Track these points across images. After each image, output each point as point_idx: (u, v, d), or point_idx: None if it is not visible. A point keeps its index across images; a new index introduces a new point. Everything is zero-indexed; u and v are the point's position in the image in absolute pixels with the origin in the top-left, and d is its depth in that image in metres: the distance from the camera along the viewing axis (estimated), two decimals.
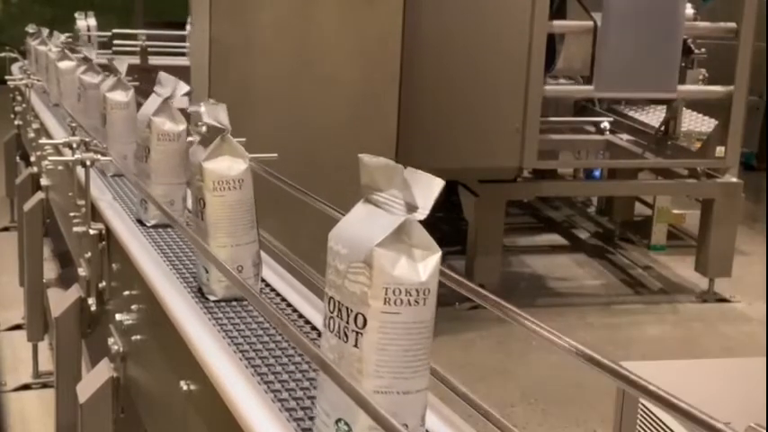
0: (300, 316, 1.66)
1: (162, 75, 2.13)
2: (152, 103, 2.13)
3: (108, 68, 2.78)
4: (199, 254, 1.72)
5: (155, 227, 2.19)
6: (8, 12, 12.72)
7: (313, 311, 1.65)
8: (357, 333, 1.02)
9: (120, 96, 2.61)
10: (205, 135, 1.67)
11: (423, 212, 1.00)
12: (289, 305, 1.71)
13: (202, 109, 1.63)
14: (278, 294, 1.76)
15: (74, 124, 2.62)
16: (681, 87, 5.31)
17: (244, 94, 4.22)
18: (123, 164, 2.49)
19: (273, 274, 1.85)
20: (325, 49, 4.43)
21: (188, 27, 7.72)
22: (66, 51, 3.95)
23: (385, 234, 1.00)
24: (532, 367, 4.40)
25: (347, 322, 1.03)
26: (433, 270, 1.02)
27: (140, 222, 2.22)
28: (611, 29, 5.05)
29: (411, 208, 1.00)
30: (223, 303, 1.69)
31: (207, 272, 1.69)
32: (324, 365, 1.06)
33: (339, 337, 1.04)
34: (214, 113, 1.64)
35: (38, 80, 4.72)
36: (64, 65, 3.86)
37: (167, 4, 11.37)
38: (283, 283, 1.81)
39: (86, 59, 3.22)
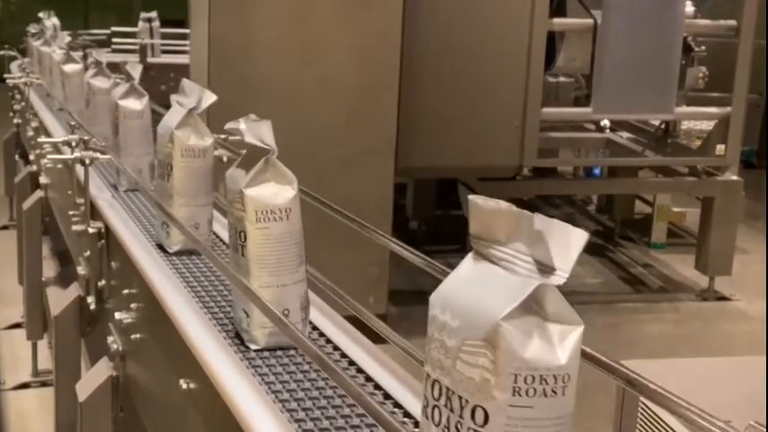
0: (352, 363, 1.46)
1: (185, 82, 1.92)
2: (174, 114, 1.92)
3: (117, 69, 2.66)
4: (238, 295, 1.49)
5: (178, 254, 1.97)
6: (7, 10, 12.71)
7: (366, 358, 1.46)
8: None
9: (133, 104, 2.43)
10: (245, 156, 1.45)
11: (561, 275, 0.78)
12: (342, 354, 1.48)
13: (242, 126, 1.42)
14: (328, 341, 1.54)
15: (73, 123, 2.59)
16: (678, 109, 5.33)
17: (243, 93, 4.22)
18: (139, 178, 2.33)
19: (316, 311, 1.62)
20: (325, 48, 4.43)
21: (140, 23, 7.69)
22: (72, 53, 3.78)
23: (513, 304, 0.78)
24: None
25: (461, 416, 0.81)
26: (573, 350, 0.80)
27: (161, 248, 2.00)
28: (611, 27, 5.05)
29: (545, 269, 0.78)
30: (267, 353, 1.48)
31: (247, 316, 1.46)
32: None
33: None
34: (256, 131, 1.42)
35: (37, 78, 4.71)
36: (69, 68, 3.67)
37: (166, 2, 11.36)
38: (324, 318, 1.61)
39: (96, 62, 3.03)
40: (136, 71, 2.43)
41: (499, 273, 0.81)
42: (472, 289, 0.82)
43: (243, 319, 1.48)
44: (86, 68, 3.42)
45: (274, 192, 1.43)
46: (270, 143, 1.43)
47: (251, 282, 1.42)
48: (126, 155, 2.43)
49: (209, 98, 1.87)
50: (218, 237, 2.06)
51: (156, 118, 2.44)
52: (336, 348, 1.49)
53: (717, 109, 5.41)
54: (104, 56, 3.05)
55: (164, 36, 8.18)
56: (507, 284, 0.79)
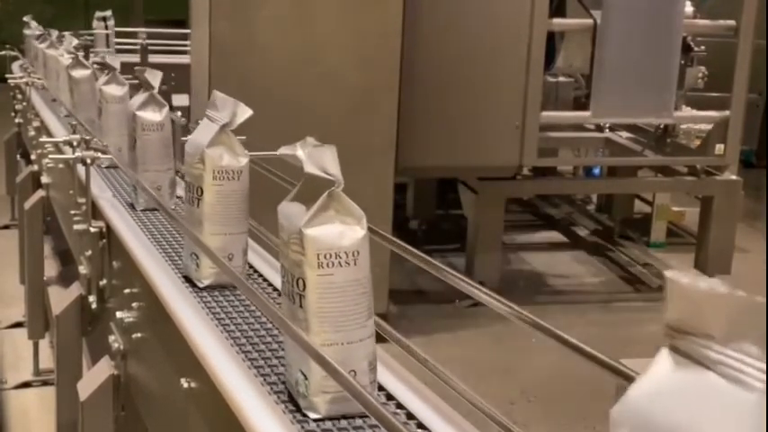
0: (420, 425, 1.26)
1: (217, 95, 1.70)
2: (205, 130, 1.70)
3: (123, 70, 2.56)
4: (295, 353, 1.24)
5: (209, 288, 1.73)
6: (8, 9, 12.71)
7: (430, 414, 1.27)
8: None
9: (152, 115, 2.21)
10: (303, 187, 1.23)
11: None
12: (408, 414, 1.27)
13: (300, 152, 1.20)
14: (389, 396, 1.31)
15: (74, 122, 2.59)
16: (677, 113, 5.35)
17: (244, 93, 4.20)
18: (159, 196, 2.14)
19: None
20: (326, 48, 4.44)
21: (94, 22, 7.70)
22: (80, 58, 3.57)
23: None
24: (532, 364, 4.41)
25: None
26: None
27: (188, 281, 1.77)
28: (610, 27, 5.06)
29: None
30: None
31: (305, 378, 1.22)
32: None
33: None
34: (318, 159, 1.19)
35: (38, 79, 4.71)
36: (78, 73, 3.46)
37: (168, 2, 11.37)
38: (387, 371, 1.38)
39: (108, 67, 2.80)
40: (155, 79, 2.21)
41: (719, 385, 0.58)
42: (679, 405, 0.59)
43: (300, 381, 1.24)
44: (94, 72, 3.35)
45: (339, 231, 1.20)
46: (335, 173, 1.20)
47: (310, 338, 1.17)
48: (143, 170, 2.24)
49: (245, 113, 1.67)
50: (252, 268, 1.86)
51: None
52: None
53: (716, 113, 5.42)
54: (118, 61, 2.81)
55: (164, 36, 8.20)
56: (737, 404, 0.56)
